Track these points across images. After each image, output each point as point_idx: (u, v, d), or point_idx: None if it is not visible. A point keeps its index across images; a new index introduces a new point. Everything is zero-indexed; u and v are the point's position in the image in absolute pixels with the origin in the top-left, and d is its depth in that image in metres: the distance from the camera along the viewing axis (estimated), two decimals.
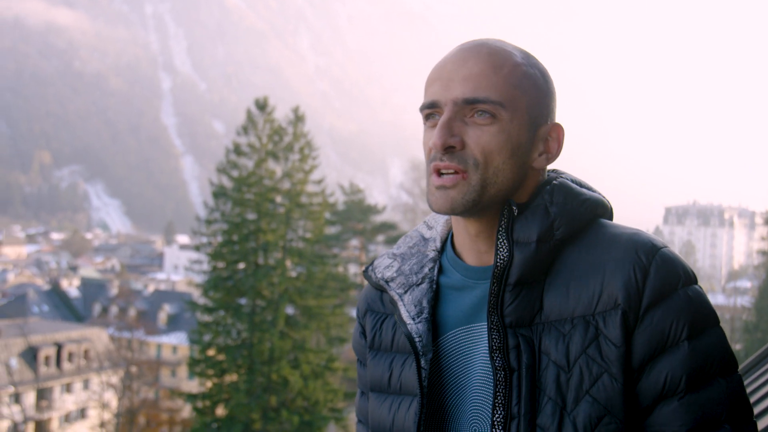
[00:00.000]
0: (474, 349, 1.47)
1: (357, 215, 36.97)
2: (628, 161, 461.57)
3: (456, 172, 1.40)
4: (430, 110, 1.45)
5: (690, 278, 1.37)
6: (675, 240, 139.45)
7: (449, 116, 1.40)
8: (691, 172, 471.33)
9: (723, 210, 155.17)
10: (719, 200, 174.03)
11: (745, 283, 72.36)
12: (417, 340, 1.48)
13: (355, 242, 38.26)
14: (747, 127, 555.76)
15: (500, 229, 1.43)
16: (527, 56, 1.48)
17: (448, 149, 1.40)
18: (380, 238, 38.10)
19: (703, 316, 1.36)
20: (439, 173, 1.42)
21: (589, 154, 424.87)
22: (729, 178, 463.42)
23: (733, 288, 71.22)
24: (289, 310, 28.35)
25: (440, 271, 1.58)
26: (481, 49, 1.43)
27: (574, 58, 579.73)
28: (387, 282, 1.58)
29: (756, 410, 3.59)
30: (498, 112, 1.39)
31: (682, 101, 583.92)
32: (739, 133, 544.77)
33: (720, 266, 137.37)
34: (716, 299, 62.92)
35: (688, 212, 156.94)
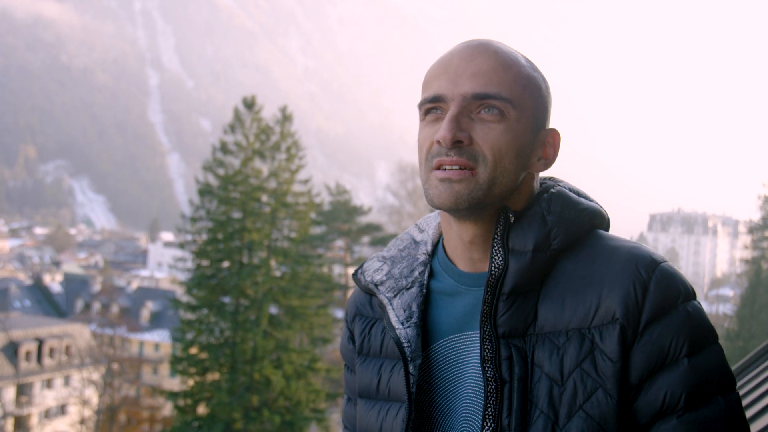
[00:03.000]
0: (466, 358, 1.43)
1: (342, 216, 36.87)
2: (614, 168, 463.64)
3: (461, 168, 1.36)
4: (433, 104, 1.40)
5: (689, 294, 1.35)
6: (659, 247, 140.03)
7: (458, 111, 1.36)
8: (676, 180, 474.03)
9: (707, 218, 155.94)
10: (703, 208, 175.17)
11: (728, 291, 72.86)
12: (405, 345, 1.45)
13: (340, 243, 38.15)
14: (732, 136, 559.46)
15: (496, 236, 1.39)
16: (528, 60, 1.46)
17: (456, 144, 1.35)
18: (365, 239, 38.02)
19: (703, 332, 1.33)
20: (441, 168, 1.37)
21: (575, 161, 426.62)
22: (713, 186, 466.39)
23: (715, 296, 71.65)
24: (273, 309, 28.25)
25: (431, 275, 1.54)
26: (489, 48, 1.40)
27: (562, 65, 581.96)
28: (376, 285, 1.54)
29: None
30: (507, 110, 1.36)
31: (668, 110, 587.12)
32: (725, 142, 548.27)
33: (703, 274, 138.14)
34: None
35: (672, 220, 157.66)
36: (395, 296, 1.51)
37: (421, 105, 1.43)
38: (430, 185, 1.39)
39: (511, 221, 1.40)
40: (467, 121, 1.36)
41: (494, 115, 1.36)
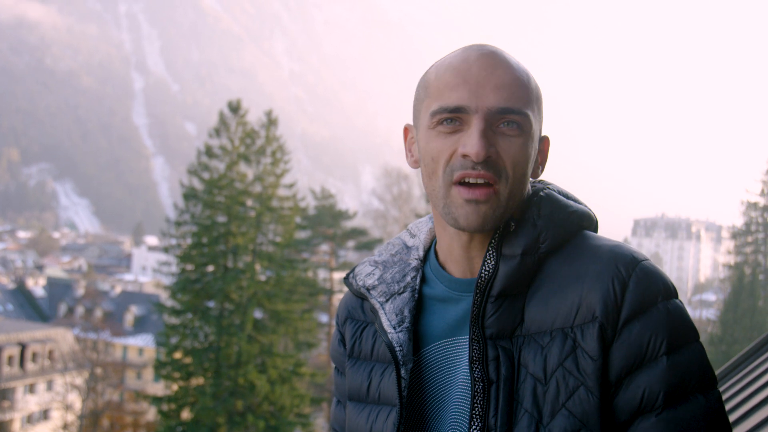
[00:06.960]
0: (456, 362, 1.44)
1: (328, 220, 36.84)
2: (598, 173, 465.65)
3: (486, 184, 1.36)
4: (452, 115, 1.38)
5: (670, 292, 1.35)
6: (643, 252, 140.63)
7: (485, 125, 1.35)
8: (660, 185, 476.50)
9: (691, 223, 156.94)
10: (687, 214, 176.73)
11: (711, 296, 73.24)
12: (398, 349, 1.46)
13: (325, 247, 38.11)
14: (716, 141, 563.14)
15: (492, 242, 1.41)
16: (528, 69, 1.47)
17: (485, 159, 1.35)
18: (350, 243, 38.01)
19: (683, 331, 1.33)
20: (464, 182, 1.37)
21: (559, 165, 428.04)
22: (697, 192, 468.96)
23: (699, 301, 71.95)
24: (258, 314, 28.18)
25: (423, 280, 1.55)
26: (504, 59, 1.40)
27: (547, 69, 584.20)
28: (368, 290, 1.55)
29: (731, 418, 3.58)
30: (525, 124, 1.37)
31: (653, 115, 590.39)
32: (709, 147, 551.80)
33: (686, 279, 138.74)
34: None
35: (656, 225, 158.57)
36: (387, 301, 1.52)
37: (435, 113, 1.39)
38: (452, 203, 1.38)
39: (512, 229, 1.41)
40: (492, 135, 1.36)
41: (514, 129, 1.36)
